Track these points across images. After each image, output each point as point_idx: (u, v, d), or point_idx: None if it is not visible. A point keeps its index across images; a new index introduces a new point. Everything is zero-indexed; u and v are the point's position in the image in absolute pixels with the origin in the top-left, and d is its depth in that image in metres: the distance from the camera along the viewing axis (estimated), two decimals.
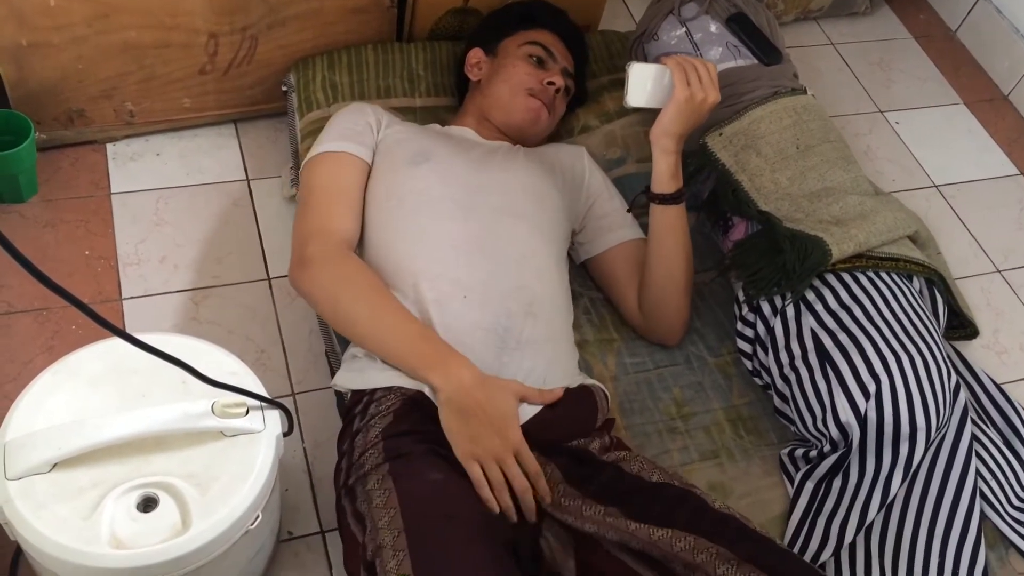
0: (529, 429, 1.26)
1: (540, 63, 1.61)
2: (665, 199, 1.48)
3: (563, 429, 1.32)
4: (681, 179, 1.48)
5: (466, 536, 1.12)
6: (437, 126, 1.63)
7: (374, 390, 1.30)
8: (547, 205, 1.50)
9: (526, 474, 1.23)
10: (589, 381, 1.41)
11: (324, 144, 1.48)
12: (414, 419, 1.26)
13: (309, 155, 1.49)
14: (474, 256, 1.38)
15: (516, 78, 1.58)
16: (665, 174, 1.47)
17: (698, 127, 1.52)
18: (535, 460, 1.24)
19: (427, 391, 1.27)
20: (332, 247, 1.36)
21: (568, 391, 1.35)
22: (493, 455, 1.21)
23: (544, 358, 1.36)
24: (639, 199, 1.55)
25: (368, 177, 1.49)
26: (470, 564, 1.08)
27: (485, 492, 1.21)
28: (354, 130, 1.51)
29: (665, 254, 1.49)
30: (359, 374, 1.34)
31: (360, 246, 1.46)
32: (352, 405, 1.33)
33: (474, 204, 1.43)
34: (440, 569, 1.08)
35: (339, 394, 1.47)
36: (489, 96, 1.60)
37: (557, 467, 1.28)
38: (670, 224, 1.48)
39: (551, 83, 1.59)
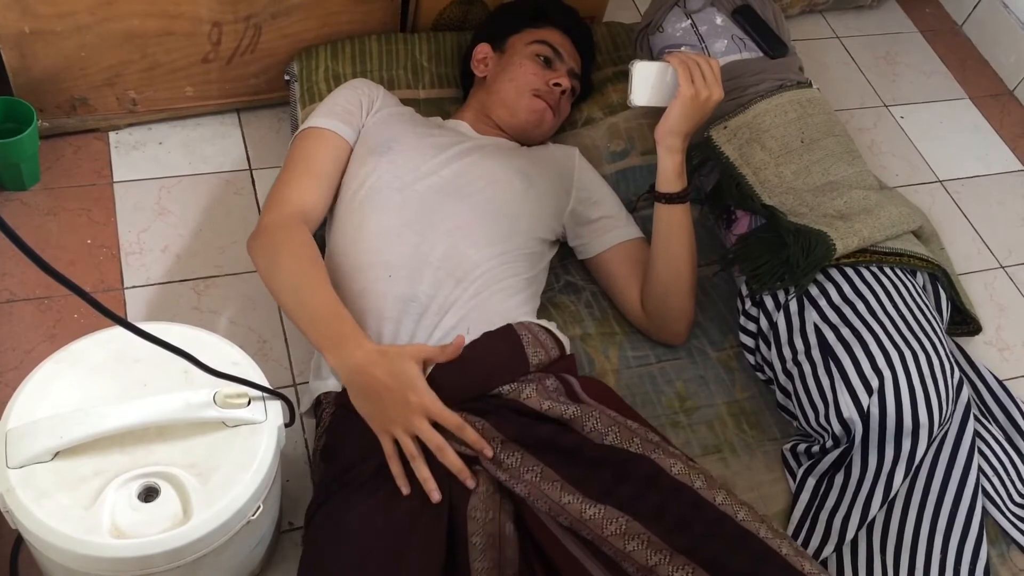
0: (438, 379, 1.22)
1: (547, 63, 1.60)
2: (671, 198, 1.47)
3: (478, 371, 1.27)
4: (686, 178, 1.48)
5: None
6: (438, 119, 1.63)
7: (317, 402, 1.35)
8: (505, 188, 1.47)
9: (447, 434, 1.19)
10: (523, 319, 1.37)
11: (312, 119, 1.51)
12: (345, 428, 1.26)
13: (301, 126, 1.53)
14: (403, 236, 1.39)
15: (523, 78, 1.57)
16: (671, 173, 1.46)
17: (703, 123, 1.52)
18: (453, 414, 1.19)
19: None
20: (284, 217, 1.39)
21: (484, 333, 1.32)
22: (401, 425, 1.18)
23: (473, 313, 1.34)
24: (644, 198, 1.54)
25: (349, 157, 1.51)
26: None
27: (395, 467, 1.18)
28: (345, 108, 1.52)
29: (670, 253, 1.49)
30: (308, 391, 1.38)
31: (328, 241, 1.49)
32: (317, 422, 1.37)
33: (416, 189, 1.43)
34: None
35: None
36: (494, 94, 1.59)
37: (489, 423, 1.22)
38: (676, 223, 1.48)
39: (557, 84, 1.58)
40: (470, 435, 1.19)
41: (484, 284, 1.38)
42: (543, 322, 1.40)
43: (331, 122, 1.49)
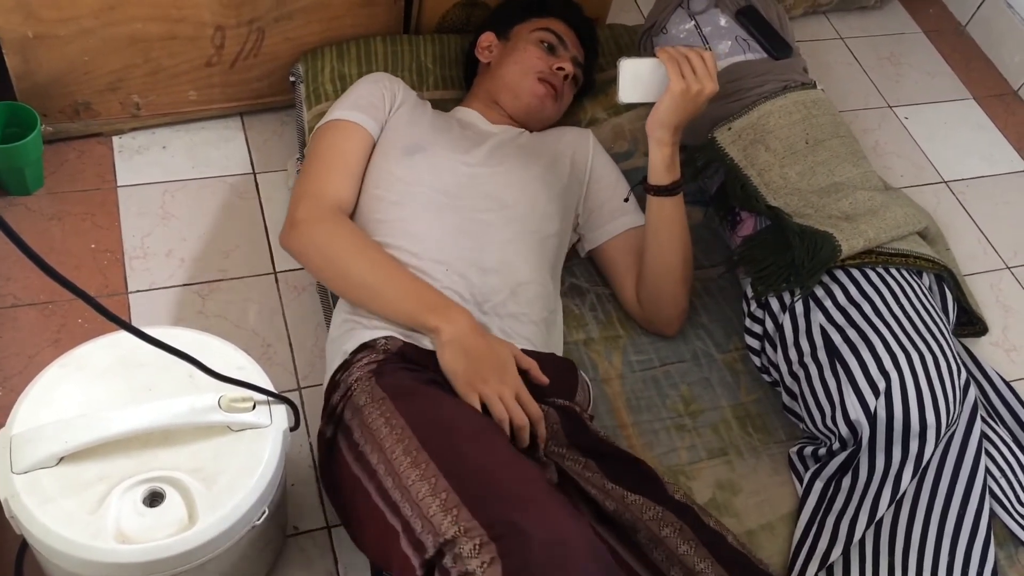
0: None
1: (551, 49, 1.62)
2: (660, 191, 1.46)
3: (550, 377, 1.33)
4: (678, 171, 1.46)
5: (487, 438, 1.13)
6: (454, 111, 1.64)
7: (353, 353, 1.29)
8: (540, 195, 1.50)
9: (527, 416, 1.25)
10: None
11: (336, 111, 1.51)
12: (403, 363, 1.26)
13: (320, 121, 1.52)
14: (458, 238, 1.40)
15: (526, 61, 1.59)
16: (660, 166, 1.45)
17: (703, 118, 1.51)
18: (536, 404, 1.26)
19: (419, 342, 1.29)
20: (323, 209, 1.39)
21: (552, 354, 1.41)
22: (494, 388, 1.23)
23: (525, 333, 1.38)
24: (637, 191, 1.55)
25: (372, 151, 1.51)
26: (501, 460, 1.10)
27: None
28: (369, 101, 1.52)
29: (662, 245, 1.49)
30: (338, 347, 1.33)
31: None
32: (331, 386, 1.30)
33: (460, 194, 1.44)
34: (472, 468, 1.08)
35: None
36: (498, 78, 1.61)
37: (555, 412, 1.31)
38: (667, 216, 1.47)
39: (560, 68, 1.59)
40: (542, 429, 1.26)
41: (530, 302, 1.41)
42: (586, 378, 1.49)
43: (358, 115, 1.50)
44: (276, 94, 1.83)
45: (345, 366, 1.29)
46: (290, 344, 1.59)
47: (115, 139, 1.78)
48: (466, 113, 1.61)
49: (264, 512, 1.14)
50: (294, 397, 1.52)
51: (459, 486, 1.05)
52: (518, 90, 1.58)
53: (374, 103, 1.52)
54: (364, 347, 1.29)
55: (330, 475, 1.25)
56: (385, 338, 1.29)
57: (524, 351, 1.33)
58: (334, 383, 1.29)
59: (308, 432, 1.49)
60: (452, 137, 1.52)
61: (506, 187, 1.47)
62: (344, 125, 1.48)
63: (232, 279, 1.64)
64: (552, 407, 1.31)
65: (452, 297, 1.35)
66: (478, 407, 1.22)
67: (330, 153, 1.46)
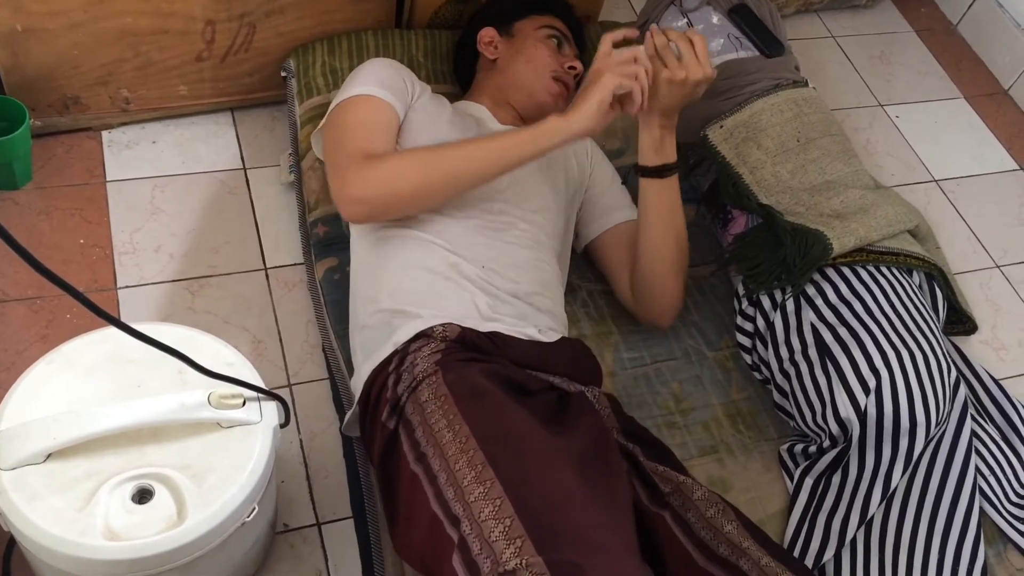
0: (551, 359, 1.33)
1: (559, 47, 1.61)
2: (648, 172, 1.44)
3: (582, 364, 1.38)
4: (670, 155, 1.44)
5: (556, 463, 1.11)
6: (461, 104, 1.61)
7: (407, 344, 1.27)
8: (552, 196, 1.51)
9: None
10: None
11: (362, 87, 1.44)
12: (465, 352, 1.25)
13: (343, 96, 1.44)
14: (489, 237, 1.40)
15: (540, 60, 1.57)
16: (648, 146, 1.43)
17: (696, 113, 1.51)
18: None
19: (478, 327, 1.30)
20: (377, 157, 1.34)
21: (582, 344, 1.45)
22: (621, 69, 1.29)
23: (558, 328, 1.41)
24: (632, 175, 1.55)
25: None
26: (561, 478, 1.08)
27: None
28: (394, 84, 1.47)
29: (652, 231, 1.46)
30: (383, 337, 1.30)
31: (364, 231, 1.44)
32: (373, 380, 1.27)
33: (484, 196, 1.43)
34: (532, 488, 1.06)
35: (338, 392, 1.47)
36: (510, 76, 1.58)
37: (604, 395, 1.36)
38: (655, 199, 1.45)
39: (572, 68, 1.59)
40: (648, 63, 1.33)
41: (553, 300, 1.43)
42: None
43: (387, 94, 1.44)
44: (267, 89, 1.83)
45: (398, 356, 1.26)
46: (280, 340, 1.58)
47: (104, 134, 1.77)
48: (476, 108, 1.59)
49: (254, 509, 1.13)
50: (284, 393, 1.51)
51: (525, 516, 1.02)
52: (532, 88, 1.56)
53: (399, 87, 1.48)
54: (420, 336, 1.27)
55: (387, 468, 1.23)
56: (443, 325, 1.27)
57: (560, 340, 1.38)
58: (387, 374, 1.26)
59: (298, 428, 1.48)
60: (467, 135, 1.50)
61: (524, 188, 1.47)
62: (374, 100, 1.42)
63: (222, 275, 1.64)
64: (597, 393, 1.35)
65: (492, 293, 1.35)
66: (630, 77, 1.28)
67: (365, 124, 1.40)
